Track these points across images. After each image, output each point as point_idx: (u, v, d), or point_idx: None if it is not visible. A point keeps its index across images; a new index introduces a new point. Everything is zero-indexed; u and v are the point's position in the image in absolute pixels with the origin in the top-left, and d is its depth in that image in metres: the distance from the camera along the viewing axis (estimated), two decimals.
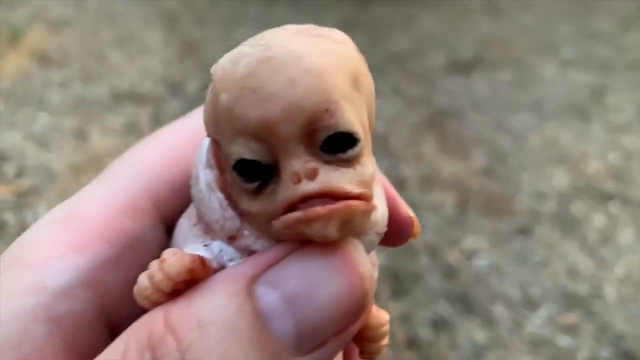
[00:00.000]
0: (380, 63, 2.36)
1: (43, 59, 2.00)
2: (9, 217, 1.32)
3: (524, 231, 1.51)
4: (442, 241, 1.45)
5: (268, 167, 0.18)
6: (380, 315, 0.22)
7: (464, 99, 2.14)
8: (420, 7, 3.24)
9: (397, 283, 1.30)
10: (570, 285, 1.35)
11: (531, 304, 1.30)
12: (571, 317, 1.28)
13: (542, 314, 1.28)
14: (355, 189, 0.18)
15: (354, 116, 0.18)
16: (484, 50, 2.71)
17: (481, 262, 1.40)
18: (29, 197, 1.39)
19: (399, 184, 1.62)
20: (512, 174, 1.72)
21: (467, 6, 3.38)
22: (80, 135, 1.63)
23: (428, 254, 1.40)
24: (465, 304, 1.28)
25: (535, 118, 2.07)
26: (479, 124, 1.98)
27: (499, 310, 1.28)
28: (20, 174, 1.46)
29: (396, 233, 0.25)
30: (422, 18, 3.08)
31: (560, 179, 1.72)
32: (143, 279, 0.19)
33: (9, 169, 1.48)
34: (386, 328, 0.22)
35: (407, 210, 0.26)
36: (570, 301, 1.31)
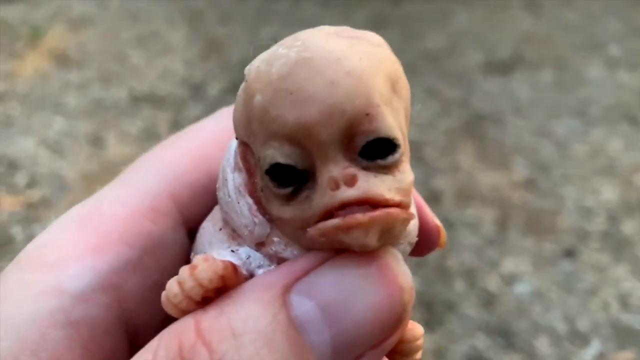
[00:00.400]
0: (413, 62, 2.23)
1: (62, 60, 1.93)
2: (17, 232, 1.25)
3: (570, 253, 1.38)
4: (480, 264, 1.32)
5: (302, 172, 0.18)
6: (414, 329, 0.21)
7: (503, 101, 2.00)
8: (456, 2, 3.08)
9: (429, 312, 1.19)
10: (624, 316, 1.22)
11: (579, 339, 1.17)
12: (625, 355, 1.14)
13: (592, 350, 1.15)
14: (396, 197, 0.17)
15: (394, 121, 0.18)
16: (524, 49, 2.55)
17: (523, 288, 1.28)
18: (38, 209, 1.31)
19: (434, 197, 1.50)
20: (555, 186, 1.58)
21: (505, 1, 3.21)
22: (96, 141, 1.56)
23: (464, 278, 1.28)
24: (505, 336, 1.16)
25: (580, 123, 1.92)
26: (520, 130, 1.84)
27: (543, 346, 1.15)
28: (31, 183, 1.40)
29: (423, 242, 0.24)
30: (457, 14, 2.92)
31: (609, 192, 1.58)
32: (173, 286, 0.18)
33: (20, 178, 1.41)
34: (421, 342, 0.21)
35: (434, 220, 0.26)
36: (624, 336, 1.18)
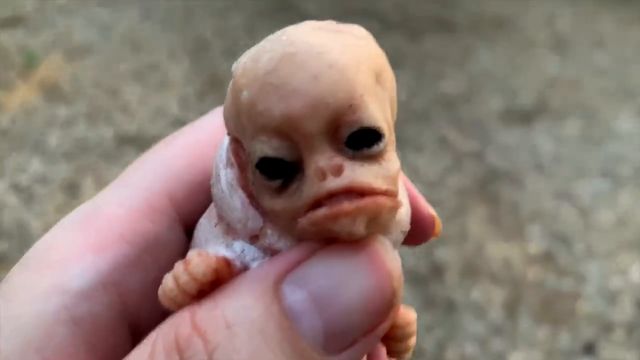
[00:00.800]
0: (427, 107, 2.07)
1: (52, 93, 1.83)
2: None
3: (590, 348, 1.20)
4: (484, 357, 1.15)
5: (291, 165, 0.18)
6: (406, 314, 0.21)
7: (522, 156, 1.84)
8: (478, 39, 2.93)
9: None
10: None
11: None
12: None
13: None
14: (382, 185, 0.18)
15: (378, 111, 0.18)
16: (549, 95, 2.38)
17: None
18: None
19: (436, 272, 1.33)
20: (576, 263, 1.41)
21: (531, 39, 3.05)
22: (70, 189, 1.43)
23: None
24: None
25: (607, 184, 1.74)
26: (539, 191, 1.67)
27: None
28: None
29: (417, 232, 0.25)
30: (478, 52, 2.77)
31: (637, 273, 1.39)
32: (168, 281, 0.19)
33: None
34: (413, 327, 0.22)
35: (428, 209, 0.26)
36: None
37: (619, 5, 3.77)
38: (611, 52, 2.96)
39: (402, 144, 1.78)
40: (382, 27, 2.94)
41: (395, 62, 2.29)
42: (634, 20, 3.52)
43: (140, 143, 1.62)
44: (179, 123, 1.75)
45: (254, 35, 2.52)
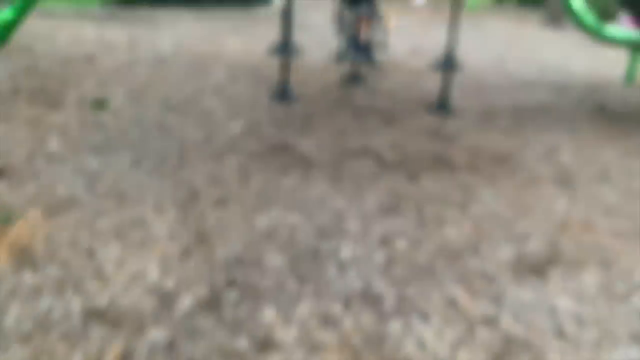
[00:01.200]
0: (431, 260, 1.91)
1: (22, 257, 1.69)
2: None
3: None
4: None
5: None
6: None
7: (539, 318, 1.64)
8: (479, 177, 2.85)
9: None
10: None
11: None
12: None
13: None
14: None
15: None
16: (561, 239, 2.22)
17: None
18: None
19: None
20: None
21: (534, 175, 2.96)
22: None
23: None
24: None
25: None
26: None
27: None
28: None
29: None
30: (480, 192, 2.66)
31: None
32: None
33: None
34: None
35: None
36: None
37: (620, 137, 3.74)
38: (618, 187, 2.86)
39: (406, 310, 1.60)
40: (379, 166, 2.87)
41: (394, 206, 2.14)
42: (637, 152, 3.46)
43: (110, 319, 1.44)
44: (157, 291, 1.58)
45: (248, 183, 2.43)
